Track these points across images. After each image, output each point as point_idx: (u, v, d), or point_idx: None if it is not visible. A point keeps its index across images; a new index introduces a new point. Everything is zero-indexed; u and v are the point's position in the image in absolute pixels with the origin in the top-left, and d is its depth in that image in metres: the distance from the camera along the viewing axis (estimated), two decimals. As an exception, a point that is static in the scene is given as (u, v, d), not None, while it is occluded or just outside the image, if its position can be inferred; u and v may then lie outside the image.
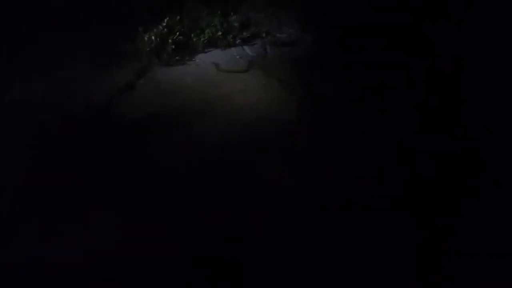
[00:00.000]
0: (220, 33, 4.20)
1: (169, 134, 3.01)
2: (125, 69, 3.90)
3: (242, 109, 3.23)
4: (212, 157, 2.83)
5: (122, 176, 2.62)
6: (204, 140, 2.95)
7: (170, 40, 3.84)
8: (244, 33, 4.39)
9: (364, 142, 2.74)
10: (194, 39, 4.12)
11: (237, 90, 3.48)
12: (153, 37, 3.78)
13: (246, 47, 4.31)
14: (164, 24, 3.92)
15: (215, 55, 4.11)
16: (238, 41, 4.26)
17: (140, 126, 3.10)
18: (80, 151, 2.79)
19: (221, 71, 3.79)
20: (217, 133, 3.01)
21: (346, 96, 3.51)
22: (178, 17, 4.16)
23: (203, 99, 3.37)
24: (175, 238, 2.30)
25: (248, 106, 3.27)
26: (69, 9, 4.35)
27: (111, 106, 3.38)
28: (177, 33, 3.94)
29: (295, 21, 4.68)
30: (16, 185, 2.62)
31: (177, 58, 3.89)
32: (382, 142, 2.69)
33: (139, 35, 3.89)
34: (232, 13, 4.56)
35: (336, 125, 3.03)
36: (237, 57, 4.09)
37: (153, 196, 2.54)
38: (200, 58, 4.04)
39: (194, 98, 3.37)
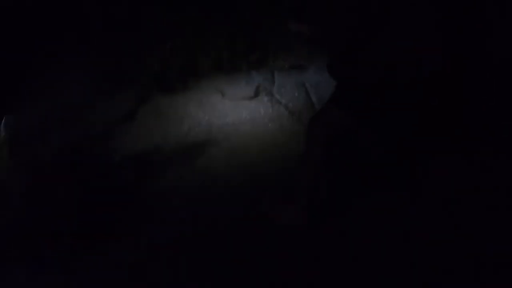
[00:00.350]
0: (226, 56, 3.97)
1: (169, 172, 2.75)
2: (126, 95, 3.70)
3: (247, 142, 2.98)
4: (216, 202, 2.56)
5: (114, 222, 2.35)
6: (205, 179, 2.69)
7: (173, 65, 3.60)
8: (251, 56, 4.15)
9: (385, 185, 2.44)
10: (199, 63, 3.89)
11: (243, 120, 3.24)
12: (155, 62, 3.53)
13: (253, 71, 4.08)
14: (168, 47, 3.68)
15: (220, 80, 3.90)
16: (244, 65, 4.03)
17: (139, 160, 2.85)
18: (73, 190, 2.53)
19: (226, 98, 3.56)
20: (221, 172, 2.75)
21: (361, 127, 3.22)
22: (182, 39, 3.93)
23: (206, 130, 3.11)
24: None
25: (254, 139, 3.03)
26: (67, 31, 4.14)
27: (110, 137, 3.15)
28: (180, 57, 3.70)
29: (304, 43, 4.41)
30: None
31: (180, 83, 3.66)
32: (401, 185, 2.39)
33: (142, 59, 3.66)
34: (238, 35, 4.33)
35: (350, 161, 2.72)
36: (243, 82, 3.85)
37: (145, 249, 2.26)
38: (204, 83, 3.83)
39: (197, 130, 3.13)
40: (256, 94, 3.66)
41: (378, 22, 1.77)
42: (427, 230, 2.18)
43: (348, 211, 2.39)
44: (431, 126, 2.73)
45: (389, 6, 1.86)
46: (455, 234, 2.12)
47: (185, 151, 2.90)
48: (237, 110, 3.35)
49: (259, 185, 2.64)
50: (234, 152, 2.89)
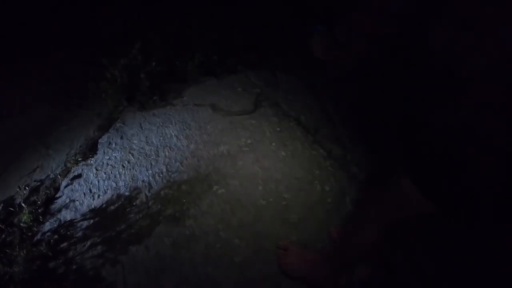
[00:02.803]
0: (216, 56, 2.84)
1: (137, 246, 1.66)
2: (83, 119, 2.57)
3: (248, 185, 1.89)
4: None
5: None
6: (192, 254, 1.60)
7: (143, 74, 2.46)
8: (248, 55, 3.03)
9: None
10: (181, 67, 2.75)
11: (242, 147, 2.15)
12: (117, 71, 2.39)
13: (250, 74, 2.96)
14: (137, 49, 2.53)
15: (210, 88, 2.78)
16: (240, 66, 2.90)
17: (98, 225, 1.75)
18: None
19: (218, 114, 2.44)
20: (212, 240, 1.66)
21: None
22: (159, 39, 2.78)
23: (191, 169, 2.02)
24: None
25: (258, 178, 1.94)
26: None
27: (57, 187, 2.05)
28: (154, 63, 2.55)
29: (309, 35, 3.24)
30: None
31: (155, 98, 2.52)
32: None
33: (103, 67, 2.52)
34: (231, 29, 3.20)
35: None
36: (239, 89, 2.73)
37: None
38: (189, 93, 2.73)
39: (180, 169, 2.03)
40: (257, 105, 2.54)
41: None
42: None
43: None
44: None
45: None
46: None
47: (161, 210, 1.79)
48: (233, 132, 2.25)
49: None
50: (230, 207, 1.79)
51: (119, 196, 1.96)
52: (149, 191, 1.98)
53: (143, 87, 2.56)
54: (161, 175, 2.06)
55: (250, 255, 1.66)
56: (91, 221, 1.89)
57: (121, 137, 2.38)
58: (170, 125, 2.44)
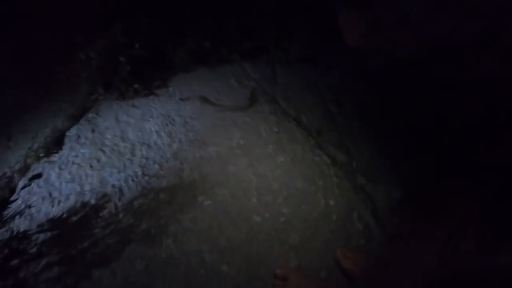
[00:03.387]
0: (208, 43, 2.45)
1: (102, 269, 1.30)
2: (51, 107, 2.16)
3: (240, 197, 1.53)
4: None
5: None
6: (169, 283, 1.25)
7: (123, 58, 2.05)
8: (244, 44, 2.65)
9: None
10: (168, 53, 2.35)
11: (233, 148, 1.79)
12: (94, 52, 1.98)
13: (246, 65, 2.60)
14: (118, 29, 2.12)
15: (201, 79, 2.40)
16: (235, 56, 2.52)
17: (56, 240, 1.38)
18: None
19: (208, 108, 2.07)
20: (195, 265, 1.31)
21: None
22: (144, 19, 2.36)
23: (173, 173, 1.65)
24: None
25: (252, 188, 1.59)
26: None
27: (13, 188, 1.66)
28: (137, 45, 2.14)
29: (310, 29, 2.93)
30: None
31: (136, 86, 2.13)
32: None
33: (76, 49, 2.10)
34: (226, 15, 2.81)
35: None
36: (233, 81, 2.36)
37: None
38: (176, 84, 2.35)
39: (159, 173, 1.65)
40: (253, 100, 2.18)
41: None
42: None
43: None
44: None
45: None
46: None
47: (129, 223, 1.42)
48: (225, 130, 1.89)
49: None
50: (220, 224, 1.43)
51: (83, 204, 1.58)
52: (119, 200, 1.60)
53: (122, 72, 2.17)
54: (135, 180, 1.69)
55: (242, 285, 1.31)
56: (49, 234, 1.51)
57: (93, 130, 1.99)
58: (151, 119, 2.06)
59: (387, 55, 2.73)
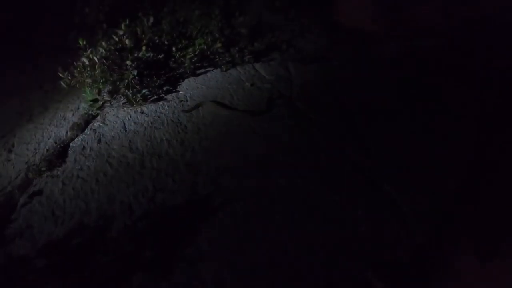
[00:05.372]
0: (219, 44, 2.23)
1: None
2: (55, 116, 1.97)
3: (264, 212, 1.29)
4: None
5: None
6: None
7: (129, 62, 1.84)
8: (256, 44, 2.43)
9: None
10: (177, 55, 2.14)
11: (253, 158, 1.53)
12: (97, 57, 1.77)
13: (259, 65, 2.38)
14: (124, 30, 1.91)
15: (212, 81, 2.19)
16: (247, 57, 2.30)
17: (58, 267, 1.15)
18: None
19: (222, 113, 1.84)
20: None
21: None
22: (151, 19, 2.15)
23: (187, 187, 1.42)
24: None
25: (276, 201, 1.33)
26: None
27: (14, 205, 1.45)
28: (144, 47, 1.93)
29: (322, 26, 2.66)
30: None
31: (144, 91, 1.91)
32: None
33: (79, 53, 1.90)
34: (237, 14, 2.60)
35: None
36: (247, 84, 2.13)
37: None
38: (187, 88, 2.14)
39: (171, 187, 1.42)
40: (270, 104, 1.94)
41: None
42: None
43: None
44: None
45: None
46: None
47: (138, 247, 1.19)
48: (242, 138, 1.66)
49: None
50: (243, 241, 1.20)
51: (88, 224, 1.36)
52: (129, 218, 1.38)
53: (129, 77, 1.94)
54: (145, 195, 1.47)
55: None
56: (50, 259, 1.28)
57: (99, 141, 1.78)
58: (162, 127, 1.84)
59: (405, 41, 2.47)
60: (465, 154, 1.68)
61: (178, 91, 2.18)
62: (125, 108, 2.02)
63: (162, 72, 2.24)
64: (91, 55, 1.88)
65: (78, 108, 2.06)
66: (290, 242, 1.32)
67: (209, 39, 2.41)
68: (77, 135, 1.89)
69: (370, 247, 1.31)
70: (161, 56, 2.20)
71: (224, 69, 2.38)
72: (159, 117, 1.98)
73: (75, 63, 2.02)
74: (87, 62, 1.90)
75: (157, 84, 2.12)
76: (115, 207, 1.47)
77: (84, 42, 1.96)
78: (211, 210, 1.43)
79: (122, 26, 2.05)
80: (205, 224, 1.39)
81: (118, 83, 2.01)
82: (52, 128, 1.99)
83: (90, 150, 1.78)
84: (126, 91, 1.98)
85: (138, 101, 2.02)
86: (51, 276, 1.26)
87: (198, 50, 2.30)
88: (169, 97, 2.14)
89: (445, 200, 1.48)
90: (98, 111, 2.00)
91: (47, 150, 1.82)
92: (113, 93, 2.04)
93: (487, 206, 1.49)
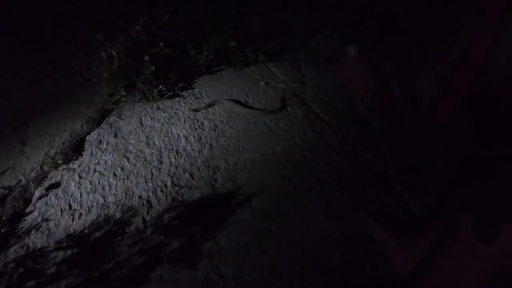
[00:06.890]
0: (234, 43, 2.20)
1: None
2: (70, 109, 1.94)
3: (279, 210, 1.26)
4: None
5: None
6: None
7: (147, 57, 1.82)
8: (269, 44, 2.40)
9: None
10: (193, 53, 2.11)
11: (269, 156, 1.52)
12: (115, 51, 1.75)
13: (272, 65, 2.35)
14: (139, 27, 1.89)
15: (227, 79, 2.17)
16: (260, 56, 2.28)
17: (77, 259, 1.12)
18: None
19: (238, 111, 1.81)
20: None
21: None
22: (167, 16, 2.12)
23: (205, 183, 1.40)
24: None
25: (290, 201, 1.30)
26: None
27: (28, 199, 1.42)
28: (162, 44, 1.91)
29: (334, 28, 2.78)
30: None
31: (161, 87, 1.89)
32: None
33: (96, 47, 1.87)
34: (251, 14, 2.59)
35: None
36: (262, 82, 2.11)
37: None
38: (202, 85, 2.11)
39: (190, 183, 1.41)
40: (284, 103, 1.91)
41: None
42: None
43: None
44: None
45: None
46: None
47: (159, 240, 1.17)
48: (258, 136, 1.64)
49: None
50: (261, 237, 1.18)
51: (107, 217, 1.34)
52: (148, 213, 1.35)
53: (146, 72, 1.91)
54: (164, 190, 1.44)
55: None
56: (68, 252, 1.26)
57: (115, 135, 1.75)
58: (178, 123, 1.81)
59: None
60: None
61: (194, 88, 2.15)
62: (141, 103, 1.99)
63: (177, 68, 2.22)
64: (108, 49, 1.85)
65: (93, 102, 2.02)
66: (307, 240, 1.30)
67: (223, 38, 2.39)
68: (93, 129, 1.86)
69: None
70: (177, 53, 2.17)
71: (238, 68, 2.36)
72: (175, 113, 1.95)
73: (92, 57, 1.99)
74: (104, 56, 1.87)
75: (172, 80, 2.10)
76: (134, 202, 1.44)
77: (102, 37, 1.93)
78: (230, 207, 1.41)
79: (141, 21, 2.02)
80: (224, 220, 1.36)
81: (134, 78, 1.98)
82: (67, 122, 1.96)
83: (106, 144, 1.75)
84: (143, 86, 1.96)
85: (155, 96, 2.00)
86: (73, 269, 1.23)
87: (213, 49, 2.27)
88: (185, 93, 2.12)
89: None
90: (114, 106, 1.97)
91: (63, 143, 1.79)
92: (129, 88, 2.01)
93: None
